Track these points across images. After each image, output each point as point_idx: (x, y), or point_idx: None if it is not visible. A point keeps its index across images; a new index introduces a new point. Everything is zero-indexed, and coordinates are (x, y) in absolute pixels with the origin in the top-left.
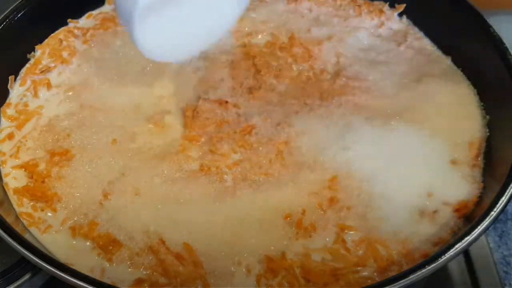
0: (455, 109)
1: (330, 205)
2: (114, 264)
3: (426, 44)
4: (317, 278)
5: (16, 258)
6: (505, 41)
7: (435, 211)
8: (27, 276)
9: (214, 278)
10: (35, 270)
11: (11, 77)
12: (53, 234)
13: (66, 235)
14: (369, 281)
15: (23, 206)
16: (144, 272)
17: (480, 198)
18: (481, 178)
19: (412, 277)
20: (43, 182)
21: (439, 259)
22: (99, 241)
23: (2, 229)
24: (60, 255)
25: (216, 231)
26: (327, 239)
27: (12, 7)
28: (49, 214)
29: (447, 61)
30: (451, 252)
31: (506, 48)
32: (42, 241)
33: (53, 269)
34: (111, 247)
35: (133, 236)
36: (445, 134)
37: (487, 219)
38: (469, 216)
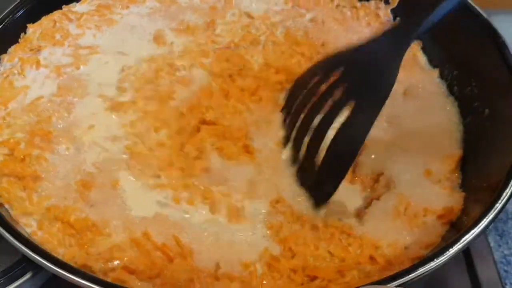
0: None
1: None
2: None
3: (417, 54)
4: (325, 274)
5: (17, 256)
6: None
7: (418, 217)
8: (28, 275)
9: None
10: (37, 269)
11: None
12: (29, 214)
13: (42, 215)
14: (374, 277)
15: (1, 183)
16: (128, 263)
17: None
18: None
19: (414, 275)
20: (23, 159)
21: (444, 254)
22: (75, 225)
23: (5, 229)
24: (35, 238)
25: (216, 230)
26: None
27: (12, 6)
28: (27, 192)
29: (435, 73)
30: (458, 245)
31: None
32: (17, 219)
33: (56, 269)
34: (88, 233)
35: (114, 226)
36: (422, 145)
37: (487, 217)
38: (455, 222)
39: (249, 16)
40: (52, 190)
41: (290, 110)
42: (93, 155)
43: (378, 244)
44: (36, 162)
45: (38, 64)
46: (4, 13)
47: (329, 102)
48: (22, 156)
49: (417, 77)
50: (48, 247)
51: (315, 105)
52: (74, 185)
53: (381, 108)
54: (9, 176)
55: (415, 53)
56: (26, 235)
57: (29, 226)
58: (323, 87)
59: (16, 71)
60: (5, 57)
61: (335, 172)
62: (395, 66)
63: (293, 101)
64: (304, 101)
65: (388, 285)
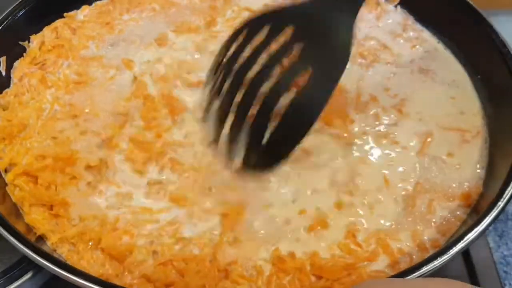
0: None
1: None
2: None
3: (426, 37)
4: (329, 274)
5: (17, 256)
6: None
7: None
8: (28, 275)
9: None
10: (37, 269)
11: (3, 59)
12: (63, 241)
13: (75, 239)
14: (381, 274)
15: (30, 213)
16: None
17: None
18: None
19: (418, 274)
20: (48, 187)
21: (448, 252)
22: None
23: (5, 229)
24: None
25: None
26: (338, 235)
27: (13, 6)
28: (59, 220)
29: (446, 53)
30: (462, 243)
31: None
32: (54, 247)
33: (56, 269)
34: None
35: (141, 244)
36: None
37: (490, 214)
38: (475, 206)
39: (249, 10)
40: (82, 213)
41: (225, 75)
42: (117, 172)
43: (395, 238)
44: (62, 188)
45: (45, 80)
46: (4, 14)
47: (279, 67)
48: (47, 184)
49: None
50: (80, 267)
51: (262, 69)
52: (100, 208)
53: (341, 75)
54: (37, 205)
55: None
56: (63, 261)
57: (64, 252)
58: (270, 46)
59: (25, 89)
60: (12, 74)
61: (285, 147)
62: (350, 25)
63: (229, 62)
64: (245, 64)
65: (409, 277)
